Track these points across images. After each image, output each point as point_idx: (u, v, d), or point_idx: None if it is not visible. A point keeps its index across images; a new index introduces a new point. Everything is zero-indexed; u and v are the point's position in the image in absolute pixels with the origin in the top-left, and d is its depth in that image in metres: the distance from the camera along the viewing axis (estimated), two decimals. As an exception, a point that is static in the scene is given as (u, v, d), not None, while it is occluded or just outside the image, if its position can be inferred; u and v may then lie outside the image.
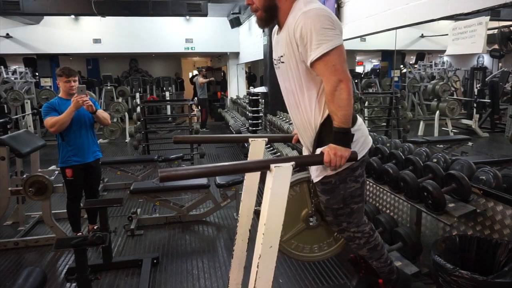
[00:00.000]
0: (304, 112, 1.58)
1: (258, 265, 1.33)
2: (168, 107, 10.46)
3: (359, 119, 1.64)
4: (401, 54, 8.18)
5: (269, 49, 6.34)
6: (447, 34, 2.49)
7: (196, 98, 9.81)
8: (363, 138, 1.61)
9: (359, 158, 1.56)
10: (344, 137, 1.46)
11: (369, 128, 6.08)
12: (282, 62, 1.57)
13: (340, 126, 1.44)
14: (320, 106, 1.54)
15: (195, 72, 13.68)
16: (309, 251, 1.84)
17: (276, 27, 1.66)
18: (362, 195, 1.66)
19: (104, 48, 9.33)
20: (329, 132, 1.51)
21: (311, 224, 1.77)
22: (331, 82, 1.41)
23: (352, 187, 1.61)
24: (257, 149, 1.85)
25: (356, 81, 8.77)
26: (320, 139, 1.58)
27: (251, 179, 1.85)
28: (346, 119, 1.44)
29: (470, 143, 4.67)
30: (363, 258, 1.89)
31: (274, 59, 1.66)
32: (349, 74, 1.44)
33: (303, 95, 1.55)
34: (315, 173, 1.62)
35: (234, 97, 10.20)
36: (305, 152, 1.78)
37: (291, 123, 4.10)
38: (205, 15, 7.09)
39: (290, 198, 1.71)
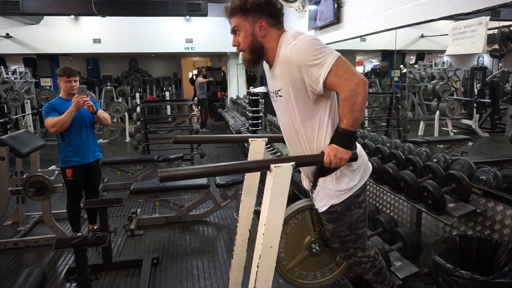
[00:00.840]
0: (306, 143, 1.58)
1: (258, 265, 1.33)
2: (168, 107, 10.46)
3: (358, 146, 1.63)
4: (401, 54, 8.17)
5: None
6: (447, 34, 2.49)
7: (196, 98, 9.82)
8: (364, 165, 1.62)
9: (361, 185, 1.58)
10: (348, 139, 1.45)
11: (369, 128, 6.11)
12: (280, 96, 1.55)
13: (346, 129, 1.43)
14: (322, 135, 1.54)
15: (195, 72, 13.68)
16: (312, 278, 1.83)
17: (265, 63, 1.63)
18: (365, 220, 1.68)
19: (104, 48, 9.32)
20: None
21: (314, 251, 1.77)
22: (348, 88, 1.38)
23: (357, 213, 1.62)
24: (257, 149, 1.86)
25: (356, 81, 8.73)
26: (322, 168, 1.57)
27: (251, 179, 1.85)
28: (356, 123, 1.43)
29: (470, 143, 4.66)
30: (363, 279, 1.89)
31: (271, 93, 1.64)
32: (363, 76, 1.43)
33: (304, 125, 1.54)
34: (321, 203, 1.62)
35: (234, 97, 10.19)
36: (305, 182, 1.77)
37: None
38: (205, 15, 7.09)
39: (293, 227, 1.74)
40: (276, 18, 1.52)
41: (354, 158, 1.50)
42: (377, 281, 1.81)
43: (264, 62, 1.61)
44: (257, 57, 1.55)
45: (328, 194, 1.58)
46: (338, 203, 1.57)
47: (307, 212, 1.76)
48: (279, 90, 1.55)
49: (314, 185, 1.63)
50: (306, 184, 1.77)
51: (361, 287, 2.00)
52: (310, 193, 1.69)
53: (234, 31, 1.55)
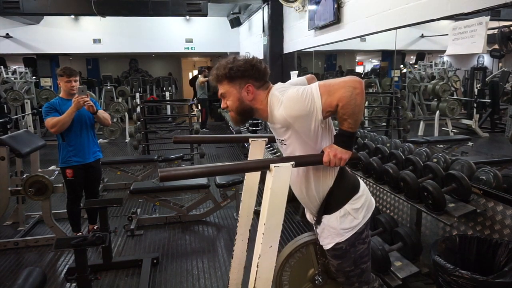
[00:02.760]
0: (313, 186, 1.59)
1: (258, 265, 1.33)
2: (168, 107, 10.46)
3: (362, 183, 1.64)
4: (401, 54, 8.17)
5: (269, 49, 6.35)
6: (447, 34, 2.48)
7: (196, 98, 9.82)
8: (367, 203, 1.63)
9: (364, 222, 1.59)
10: (348, 140, 1.45)
11: (369, 128, 6.11)
12: (285, 144, 1.59)
13: (347, 130, 1.44)
14: (325, 176, 1.56)
15: (196, 72, 13.67)
16: None
17: None
18: (369, 254, 1.69)
19: (104, 48, 9.33)
20: (335, 198, 1.54)
21: (317, 283, 1.79)
22: (344, 95, 1.37)
23: (361, 248, 1.63)
24: (257, 149, 1.86)
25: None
26: (327, 206, 1.59)
27: (251, 179, 1.85)
28: (356, 124, 1.43)
29: (470, 143, 4.66)
30: None
31: (277, 139, 1.66)
32: (355, 75, 1.42)
33: (308, 170, 1.57)
34: (326, 241, 1.63)
35: (234, 97, 10.18)
36: (309, 215, 1.79)
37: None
38: (205, 15, 7.09)
39: (297, 260, 1.79)
40: (262, 79, 1.54)
41: (354, 158, 1.50)
42: None
43: None
44: (244, 117, 1.59)
45: (333, 232, 1.59)
46: (342, 241, 1.59)
47: (311, 246, 1.80)
48: (283, 140, 1.58)
49: (318, 221, 1.65)
50: (309, 217, 1.78)
51: None
52: (314, 228, 1.71)
53: (222, 96, 1.58)
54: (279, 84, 1.57)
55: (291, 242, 1.82)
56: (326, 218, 1.60)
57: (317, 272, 1.80)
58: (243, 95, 1.52)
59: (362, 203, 1.59)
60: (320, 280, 1.79)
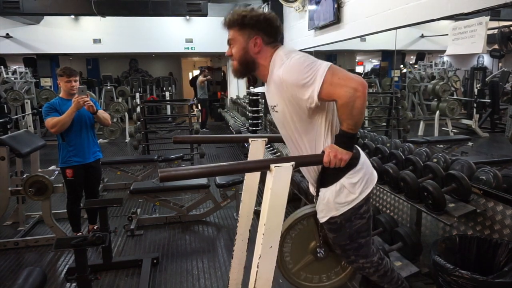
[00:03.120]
0: (306, 154, 1.58)
1: (258, 265, 1.33)
2: (168, 107, 10.46)
3: (362, 156, 1.61)
4: (401, 54, 8.17)
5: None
6: (447, 34, 2.48)
7: (196, 98, 9.82)
8: (367, 176, 1.60)
9: (362, 197, 1.57)
10: (348, 141, 1.45)
11: (369, 128, 6.11)
12: (276, 112, 1.57)
13: (347, 131, 1.43)
14: (320, 146, 1.54)
15: (196, 72, 13.68)
16: (318, 281, 1.85)
17: None
18: (368, 229, 1.67)
19: (104, 48, 9.33)
20: (331, 170, 1.51)
21: (319, 255, 1.78)
22: (344, 94, 1.36)
23: (358, 223, 1.61)
24: (257, 149, 1.86)
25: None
26: (323, 179, 1.58)
27: (251, 179, 1.85)
28: (356, 126, 1.43)
29: (470, 143, 4.66)
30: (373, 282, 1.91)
31: (269, 106, 1.65)
32: (361, 77, 1.39)
33: (301, 139, 1.56)
34: (321, 214, 1.63)
35: (234, 97, 10.19)
36: (312, 188, 1.78)
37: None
38: (205, 15, 7.09)
39: (298, 232, 1.76)
40: (272, 36, 1.53)
41: (354, 158, 1.50)
42: (383, 282, 1.81)
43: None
44: (246, 69, 1.57)
45: (327, 206, 1.58)
46: (337, 216, 1.58)
47: (312, 218, 1.77)
48: (275, 106, 1.56)
49: (317, 194, 1.65)
50: (312, 190, 1.78)
51: (369, 284, 2.00)
52: (315, 200, 1.70)
53: (229, 43, 1.58)
54: (289, 47, 1.55)
55: (292, 214, 1.79)
56: (322, 191, 1.59)
57: (319, 245, 1.77)
58: (249, 46, 1.51)
59: (360, 177, 1.56)
60: (322, 253, 1.78)
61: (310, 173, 1.64)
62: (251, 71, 1.58)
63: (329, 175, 1.55)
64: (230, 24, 1.53)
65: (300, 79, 1.38)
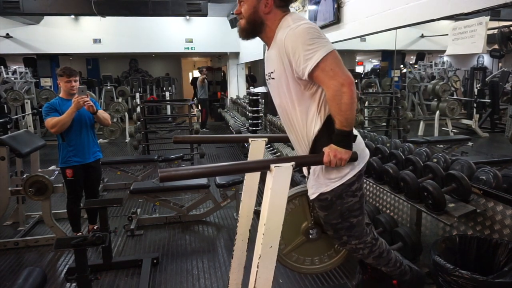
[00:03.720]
0: (297, 127, 1.58)
1: (258, 265, 1.33)
2: (168, 107, 10.46)
3: (356, 134, 1.61)
4: (401, 54, 8.17)
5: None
6: (447, 34, 2.49)
7: (196, 98, 9.82)
8: (359, 152, 1.59)
9: (354, 173, 1.56)
10: (345, 139, 1.45)
11: (369, 128, 6.11)
12: (273, 78, 1.57)
13: (341, 129, 1.43)
14: (312, 120, 1.53)
15: (196, 73, 13.68)
16: (310, 263, 1.83)
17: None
18: (361, 208, 1.64)
19: (104, 48, 9.32)
20: (323, 145, 1.50)
21: (311, 236, 1.76)
22: (332, 87, 1.39)
23: (350, 201, 1.59)
24: (257, 149, 1.85)
25: (356, 81, 8.71)
26: (314, 153, 1.56)
27: (251, 179, 1.84)
28: (348, 122, 1.43)
29: (470, 143, 4.66)
30: (370, 265, 1.87)
31: (266, 74, 1.66)
32: (351, 75, 1.41)
33: (294, 109, 1.55)
34: (311, 191, 1.61)
35: (234, 97, 10.20)
36: (305, 169, 1.77)
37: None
38: (205, 15, 7.09)
39: (289, 212, 1.72)
40: (284, 0, 1.53)
41: (354, 158, 1.50)
42: (379, 264, 1.78)
43: (264, 46, 1.64)
44: (253, 29, 1.56)
45: (318, 182, 1.57)
46: (327, 191, 1.56)
47: (304, 198, 1.75)
48: (272, 72, 1.56)
49: (308, 171, 1.64)
50: (304, 170, 1.77)
51: (366, 271, 1.97)
52: (307, 179, 1.69)
53: (239, 1, 1.56)
54: (298, 15, 1.55)
55: None
56: (312, 168, 1.58)
57: (310, 225, 1.75)
58: (260, 5, 1.51)
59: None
60: (315, 234, 1.76)
61: (301, 146, 1.62)
62: (258, 32, 1.57)
63: (319, 148, 1.52)
64: None
65: (299, 48, 1.39)
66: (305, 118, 1.54)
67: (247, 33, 1.58)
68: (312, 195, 1.61)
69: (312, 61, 1.38)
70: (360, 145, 1.61)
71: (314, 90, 1.51)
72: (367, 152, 1.67)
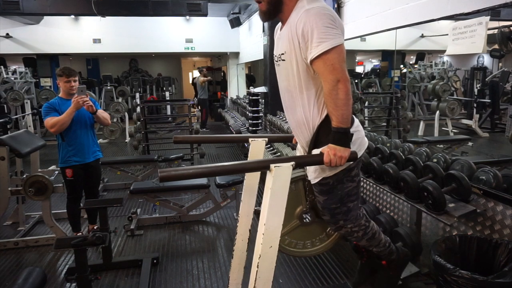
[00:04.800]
0: (302, 112, 1.59)
1: (258, 265, 1.33)
2: (168, 107, 10.46)
3: (356, 120, 1.66)
4: (401, 54, 8.18)
5: (269, 49, 6.34)
6: (447, 34, 2.49)
7: (196, 98, 9.82)
8: (359, 140, 1.63)
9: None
10: (343, 137, 1.46)
11: (369, 128, 6.11)
12: (283, 60, 1.58)
13: (338, 126, 1.45)
14: (318, 106, 1.55)
15: (196, 73, 13.68)
16: (302, 246, 1.86)
17: (279, 24, 1.66)
18: (357, 193, 1.69)
19: (104, 48, 9.33)
20: (327, 133, 1.52)
21: (305, 221, 1.79)
22: (329, 81, 1.42)
23: (349, 186, 1.63)
24: (257, 149, 1.86)
25: (356, 81, 8.77)
26: (318, 140, 1.59)
27: (251, 179, 1.85)
28: (344, 119, 1.44)
29: (470, 143, 4.67)
30: (363, 247, 1.94)
31: (275, 56, 1.66)
32: (347, 74, 1.44)
33: (302, 94, 1.56)
34: (313, 175, 1.62)
35: (234, 97, 10.19)
36: (300, 152, 1.79)
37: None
38: (205, 15, 7.09)
39: None
40: None
41: (353, 157, 1.50)
42: (372, 245, 1.84)
43: (275, 29, 1.65)
44: (273, 9, 1.56)
45: (320, 166, 1.57)
46: (330, 176, 1.58)
47: (300, 182, 1.77)
48: (282, 54, 1.57)
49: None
50: (301, 153, 1.78)
51: (362, 255, 2.02)
52: None
53: None
54: None
55: None
56: (315, 152, 1.59)
57: (305, 210, 1.78)
58: None
59: (354, 139, 1.57)
60: (309, 218, 1.79)
61: (303, 132, 1.64)
62: (278, 11, 1.57)
63: (323, 136, 1.55)
64: None
65: (311, 32, 1.40)
66: (312, 103, 1.55)
67: (269, 14, 1.58)
68: (314, 179, 1.62)
69: (318, 49, 1.39)
70: (361, 132, 1.65)
71: (309, 92, 1.52)
72: (366, 140, 1.70)
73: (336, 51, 1.40)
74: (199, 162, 6.18)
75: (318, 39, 1.39)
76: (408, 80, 8.20)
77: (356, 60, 12.40)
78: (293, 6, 1.52)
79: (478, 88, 6.94)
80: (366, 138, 1.70)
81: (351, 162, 1.56)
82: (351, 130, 1.54)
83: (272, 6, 1.55)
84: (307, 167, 1.66)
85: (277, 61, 1.66)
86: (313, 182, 1.64)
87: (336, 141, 1.45)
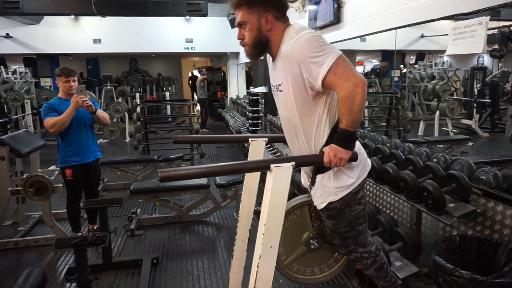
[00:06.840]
0: (304, 139, 1.58)
1: (258, 265, 1.33)
2: (168, 107, 10.46)
3: (358, 143, 1.63)
4: (401, 54, 8.18)
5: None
6: (447, 34, 2.48)
7: (194, 98, 9.82)
8: (362, 162, 1.62)
9: (359, 182, 1.58)
10: (348, 139, 1.45)
11: (369, 128, 6.11)
12: (280, 91, 1.56)
13: (346, 129, 1.43)
14: (319, 132, 1.54)
15: (195, 72, 13.69)
16: (310, 273, 1.84)
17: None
18: (365, 216, 1.68)
19: (104, 48, 9.32)
20: None
21: (312, 247, 1.77)
22: (346, 88, 1.38)
23: (356, 209, 1.62)
24: (257, 149, 1.85)
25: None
26: (320, 166, 1.56)
27: (251, 179, 1.85)
28: (355, 123, 1.43)
29: (470, 143, 4.67)
30: (368, 277, 1.90)
31: (273, 86, 1.65)
32: (363, 77, 1.42)
33: (302, 121, 1.55)
34: (319, 200, 1.62)
35: (234, 97, 10.19)
36: (304, 178, 1.77)
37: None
38: (205, 15, 7.09)
39: (291, 222, 1.74)
40: (281, 11, 1.52)
41: (354, 158, 1.50)
42: (379, 277, 1.80)
43: (268, 55, 1.62)
44: (260, 50, 1.56)
45: (326, 191, 1.58)
46: (336, 200, 1.58)
47: (305, 208, 1.76)
48: (279, 85, 1.56)
49: (312, 182, 1.64)
50: (304, 181, 1.77)
51: (364, 280, 2.00)
52: (309, 190, 1.69)
53: (239, 25, 1.54)
54: (300, 24, 1.54)
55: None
56: (319, 177, 1.59)
57: (312, 235, 1.76)
58: (261, 24, 1.49)
59: (357, 162, 1.56)
60: (316, 244, 1.77)
61: None
62: (265, 50, 1.56)
63: None
64: (237, 4, 1.51)
65: (307, 56, 1.39)
66: (314, 130, 1.54)
67: (256, 56, 1.57)
68: (321, 204, 1.61)
69: (324, 67, 1.38)
70: (363, 155, 1.64)
71: (323, 101, 1.51)
72: (369, 162, 1.69)
73: (342, 60, 1.39)
74: (199, 162, 6.18)
75: (321, 59, 1.38)
76: (408, 80, 8.20)
77: (356, 60, 12.38)
78: (280, 40, 1.50)
79: (478, 88, 6.95)
80: (368, 159, 1.69)
81: (357, 185, 1.57)
82: (354, 151, 1.53)
83: (258, 48, 1.54)
84: (313, 193, 1.65)
85: (275, 91, 1.64)
86: (319, 207, 1.63)
87: (340, 142, 1.45)
